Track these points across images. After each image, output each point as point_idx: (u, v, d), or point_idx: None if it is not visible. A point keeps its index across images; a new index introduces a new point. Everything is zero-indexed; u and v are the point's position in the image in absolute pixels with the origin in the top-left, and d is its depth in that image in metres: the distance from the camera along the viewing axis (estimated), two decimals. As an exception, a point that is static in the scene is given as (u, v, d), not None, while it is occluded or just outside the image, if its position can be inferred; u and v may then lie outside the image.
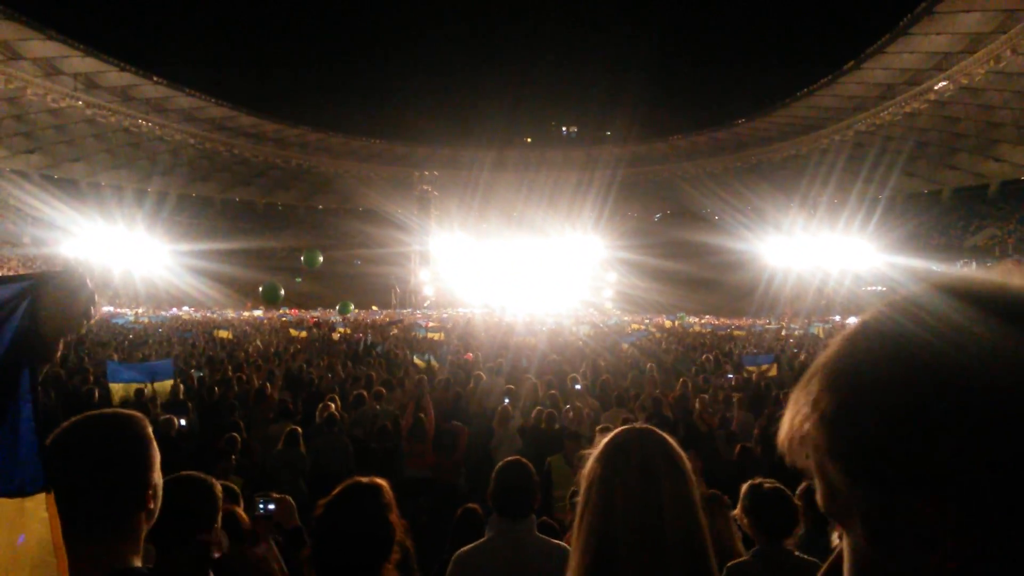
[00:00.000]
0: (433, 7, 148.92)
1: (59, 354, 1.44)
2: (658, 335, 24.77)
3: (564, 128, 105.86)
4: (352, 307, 16.79)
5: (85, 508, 1.41)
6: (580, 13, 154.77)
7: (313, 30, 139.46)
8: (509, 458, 3.16)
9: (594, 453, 1.45)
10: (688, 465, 1.42)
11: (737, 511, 3.01)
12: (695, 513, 1.35)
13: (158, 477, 1.54)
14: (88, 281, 1.39)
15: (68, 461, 1.40)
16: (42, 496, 1.28)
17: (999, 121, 47.21)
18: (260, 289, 13.64)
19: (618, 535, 1.31)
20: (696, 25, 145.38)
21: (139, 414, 1.57)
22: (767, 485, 2.98)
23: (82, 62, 45.21)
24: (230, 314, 45.66)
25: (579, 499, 1.42)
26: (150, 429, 1.55)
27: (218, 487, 2.41)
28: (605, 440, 1.46)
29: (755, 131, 60.94)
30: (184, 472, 2.33)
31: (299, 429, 6.80)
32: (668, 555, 1.29)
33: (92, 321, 1.42)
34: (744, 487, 3.03)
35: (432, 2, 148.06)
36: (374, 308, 54.00)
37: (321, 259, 14.64)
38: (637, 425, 1.47)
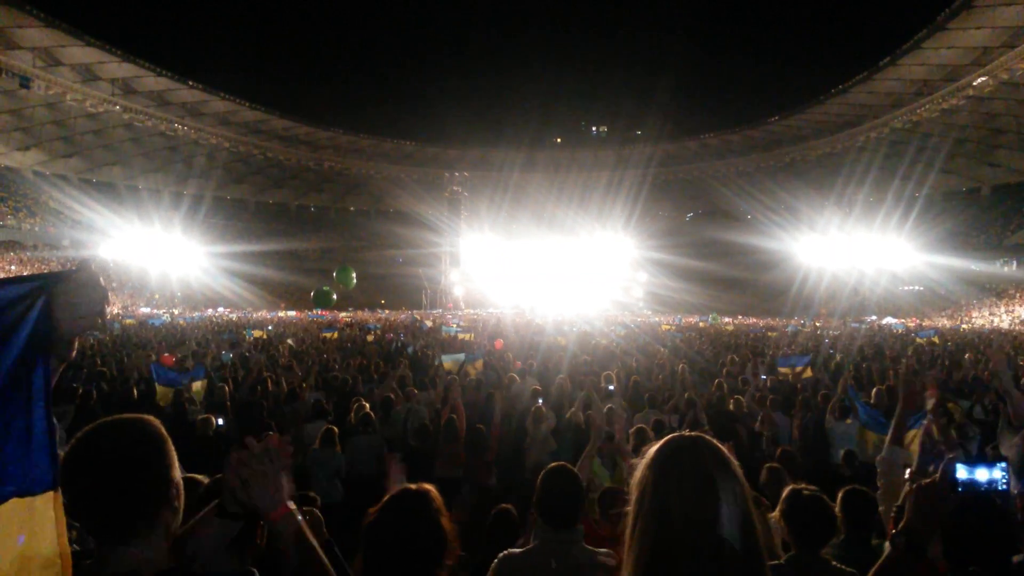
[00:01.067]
0: (464, 11, 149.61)
1: (74, 352, 1.45)
2: (692, 336, 24.58)
3: (594, 128, 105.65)
4: (353, 276, 16.22)
5: (114, 511, 1.43)
6: (610, 12, 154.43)
7: (345, 34, 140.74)
8: (555, 464, 3.10)
9: (645, 461, 1.42)
10: (741, 472, 1.39)
11: (776, 515, 2.97)
12: (751, 520, 1.33)
13: (179, 474, 1.56)
14: (101, 279, 1.40)
15: (91, 468, 1.42)
16: (50, 495, 1.29)
17: (1040, 117, 46.23)
18: (312, 295, 13.73)
19: (673, 544, 1.29)
20: (728, 22, 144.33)
21: (150, 417, 1.58)
22: (807, 491, 2.93)
23: (119, 68, 46.13)
24: (264, 315, 46.19)
25: (631, 508, 1.39)
26: (163, 429, 1.56)
27: None
28: (656, 447, 1.43)
29: (789, 129, 60.24)
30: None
31: (335, 429, 6.84)
32: (725, 563, 1.27)
33: (105, 319, 1.43)
34: (785, 491, 2.99)
35: (463, 6, 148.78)
36: (405, 310, 54.17)
37: (354, 278, 14.60)
38: (688, 432, 1.45)
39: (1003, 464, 1.69)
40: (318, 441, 6.65)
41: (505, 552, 2.82)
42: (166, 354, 16.45)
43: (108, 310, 1.31)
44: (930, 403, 4.17)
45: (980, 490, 1.70)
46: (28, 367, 1.32)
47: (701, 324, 37.10)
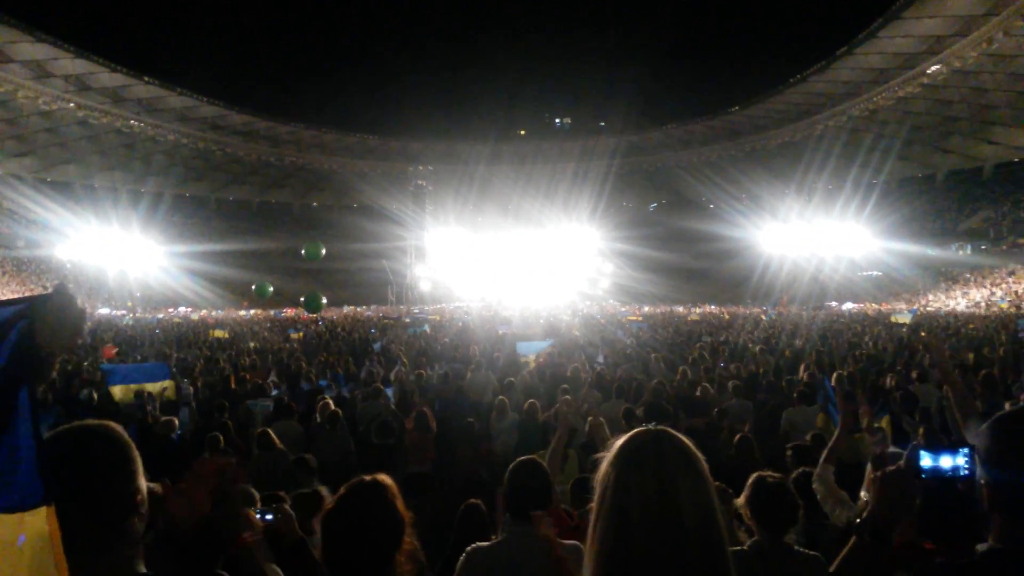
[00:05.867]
0: (426, 4, 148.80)
1: (55, 371, 1.47)
2: (655, 325, 24.80)
3: (558, 120, 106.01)
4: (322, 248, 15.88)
5: (82, 519, 1.43)
6: (573, 5, 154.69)
7: (304, 27, 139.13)
8: (522, 458, 3.12)
9: (608, 456, 1.41)
10: (705, 465, 1.37)
11: (740, 501, 3.00)
12: (714, 514, 1.31)
13: (143, 481, 1.56)
14: (78, 300, 1.44)
15: (58, 474, 1.41)
16: (42, 510, 1.30)
17: (992, 104, 47.19)
18: (303, 300, 13.60)
19: (633, 541, 1.28)
20: (688, 14, 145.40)
21: (113, 424, 1.58)
22: (771, 479, 2.96)
23: (73, 64, 44.94)
24: (228, 314, 45.64)
25: (593, 504, 1.39)
26: (127, 435, 1.56)
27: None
28: (619, 443, 1.41)
29: (749, 118, 60.79)
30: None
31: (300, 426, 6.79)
32: (687, 558, 1.26)
33: (82, 339, 1.47)
34: (750, 479, 3.01)
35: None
36: (379, 309, 53.78)
37: (323, 251, 14.49)
38: (651, 427, 1.43)
39: (966, 450, 1.70)
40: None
41: (473, 545, 2.83)
42: (108, 345, 16.25)
43: (85, 329, 1.39)
44: (864, 420, 4.27)
45: (944, 476, 1.71)
46: (12, 388, 1.35)
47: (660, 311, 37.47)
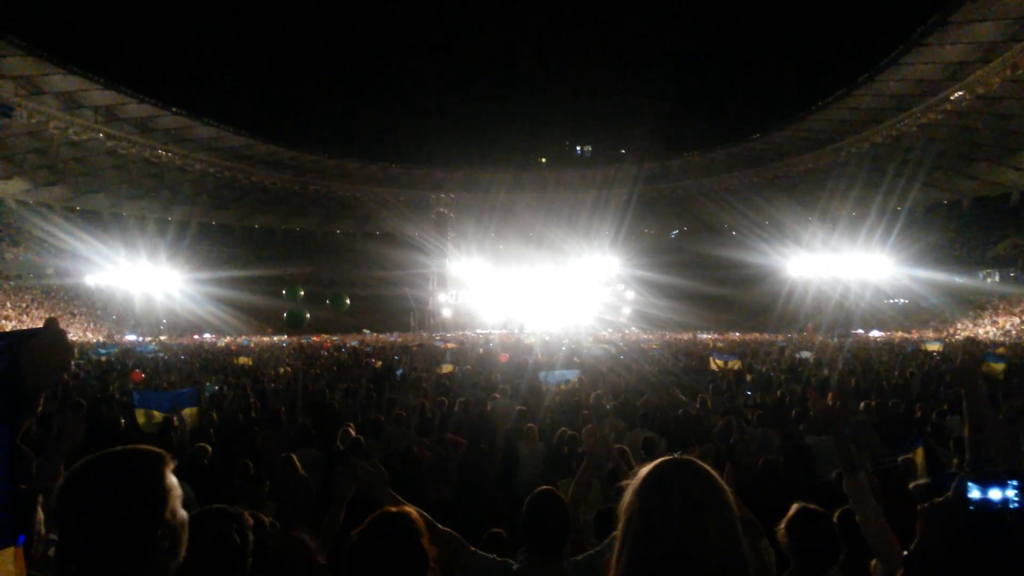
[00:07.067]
0: (448, 32, 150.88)
1: (40, 407, 1.44)
2: (677, 352, 24.59)
3: (579, 147, 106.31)
4: (346, 301, 16.06)
5: (97, 552, 1.36)
6: (593, 33, 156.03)
7: (328, 57, 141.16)
8: (541, 489, 3.03)
9: (632, 485, 1.39)
10: (731, 496, 1.35)
11: (780, 532, 2.87)
12: (739, 545, 1.29)
13: (174, 517, 1.45)
14: (64, 336, 1.43)
15: (78, 503, 1.36)
16: (10, 551, 1.26)
17: (1017, 130, 46.71)
18: (285, 316, 13.77)
19: (659, 570, 1.26)
20: (710, 41, 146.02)
21: (158, 451, 1.48)
22: (816, 513, 2.83)
23: (102, 95, 45.89)
24: (251, 341, 45.87)
25: (618, 533, 1.37)
26: (167, 467, 1.47)
27: (249, 519, 2.41)
28: (644, 472, 1.40)
29: (771, 145, 60.59)
30: (214, 507, 2.33)
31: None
32: None
33: (70, 373, 1.46)
34: (792, 509, 2.91)
35: (447, 27, 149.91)
36: (398, 336, 53.90)
37: (348, 302, 14.64)
38: (677, 456, 1.42)
39: (1015, 482, 1.66)
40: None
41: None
42: (136, 370, 16.50)
43: (71, 365, 1.37)
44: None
45: (993, 509, 1.66)
46: None
47: (686, 337, 37.18)
